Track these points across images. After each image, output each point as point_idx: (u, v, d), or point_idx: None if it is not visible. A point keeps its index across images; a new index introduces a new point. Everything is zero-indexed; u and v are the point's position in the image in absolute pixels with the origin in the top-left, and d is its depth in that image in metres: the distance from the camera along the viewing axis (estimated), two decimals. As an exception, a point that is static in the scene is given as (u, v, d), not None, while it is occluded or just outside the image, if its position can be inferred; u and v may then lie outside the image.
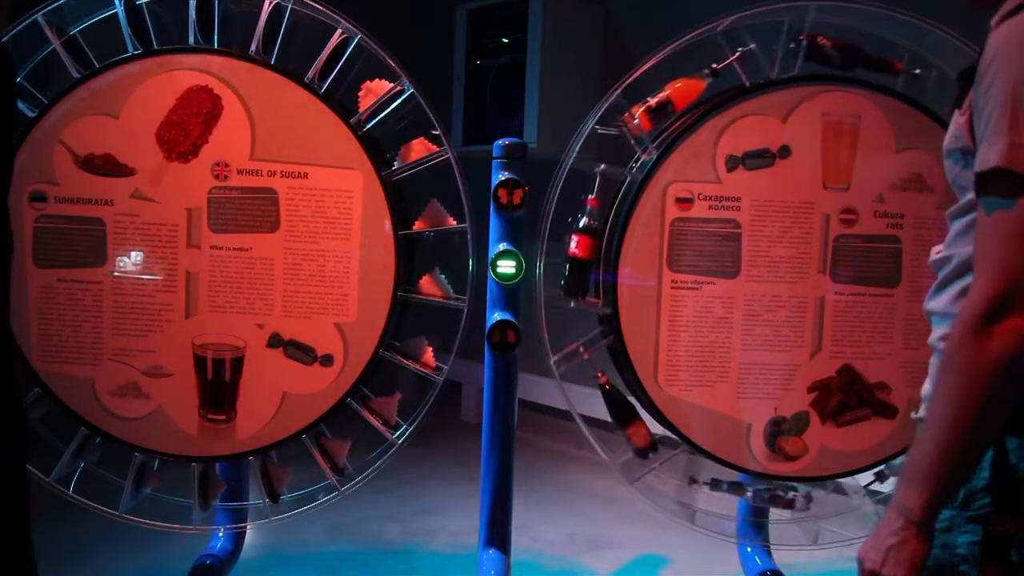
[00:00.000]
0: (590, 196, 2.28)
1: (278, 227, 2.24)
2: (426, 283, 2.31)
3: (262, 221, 2.24)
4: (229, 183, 2.23)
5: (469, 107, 4.32)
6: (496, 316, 2.23)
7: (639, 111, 2.24)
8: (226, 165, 2.23)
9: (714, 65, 2.25)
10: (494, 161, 2.26)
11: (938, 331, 1.25)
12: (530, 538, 3.14)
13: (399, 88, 2.24)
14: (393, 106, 2.26)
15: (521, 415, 2.43)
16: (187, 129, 2.21)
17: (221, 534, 2.54)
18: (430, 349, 2.34)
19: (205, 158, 2.22)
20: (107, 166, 2.22)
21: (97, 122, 2.21)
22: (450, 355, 2.29)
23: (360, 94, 2.26)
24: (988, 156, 1.06)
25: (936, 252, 1.28)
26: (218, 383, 2.26)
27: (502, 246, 2.22)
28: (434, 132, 2.26)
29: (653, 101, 2.24)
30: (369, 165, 2.22)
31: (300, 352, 2.27)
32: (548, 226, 2.28)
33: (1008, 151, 1.05)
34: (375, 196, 2.23)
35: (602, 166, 2.29)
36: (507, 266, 2.21)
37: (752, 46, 2.23)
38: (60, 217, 2.23)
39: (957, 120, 1.17)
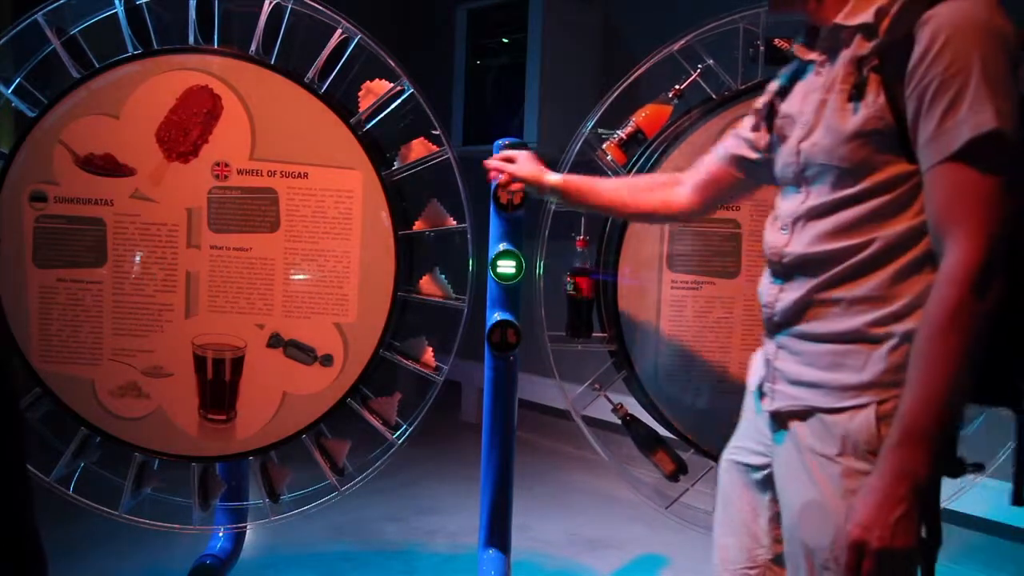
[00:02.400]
0: (579, 237, 2.29)
1: (278, 227, 2.24)
2: (426, 283, 2.31)
3: (262, 221, 2.24)
4: (229, 183, 2.23)
5: (469, 107, 4.32)
6: (496, 316, 2.23)
7: (610, 146, 2.25)
8: (226, 165, 2.23)
9: (677, 87, 2.26)
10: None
11: (865, 317, 1.25)
12: (530, 538, 3.14)
13: (399, 88, 2.25)
14: (393, 106, 2.26)
15: (521, 415, 2.43)
16: (187, 129, 2.21)
17: (221, 534, 2.54)
18: (430, 349, 2.35)
19: (205, 158, 2.22)
20: (107, 166, 2.22)
21: (97, 122, 2.21)
22: (450, 355, 2.29)
23: (360, 94, 2.26)
24: (981, 120, 1.11)
25: (829, 242, 1.27)
26: (218, 383, 2.26)
27: (502, 246, 2.22)
28: (434, 132, 2.26)
29: (623, 134, 2.25)
30: (369, 165, 2.22)
31: (300, 352, 2.27)
32: (548, 226, 2.28)
33: (1000, 115, 1.11)
34: (375, 196, 2.23)
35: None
36: (507, 266, 2.21)
37: (711, 62, 2.24)
38: (60, 217, 2.23)
39: (872, 103, 1.20)
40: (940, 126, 1.13)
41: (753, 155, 1.55)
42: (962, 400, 1.15)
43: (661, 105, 2.28)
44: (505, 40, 4.15)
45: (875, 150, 1.22)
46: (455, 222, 2.27)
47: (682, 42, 2.25)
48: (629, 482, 2.38)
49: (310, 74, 2.22)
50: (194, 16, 2.21)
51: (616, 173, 2.30)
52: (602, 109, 2.29)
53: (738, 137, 1.58)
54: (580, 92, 3.79)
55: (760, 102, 1.50)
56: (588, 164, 2.31)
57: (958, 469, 1.26)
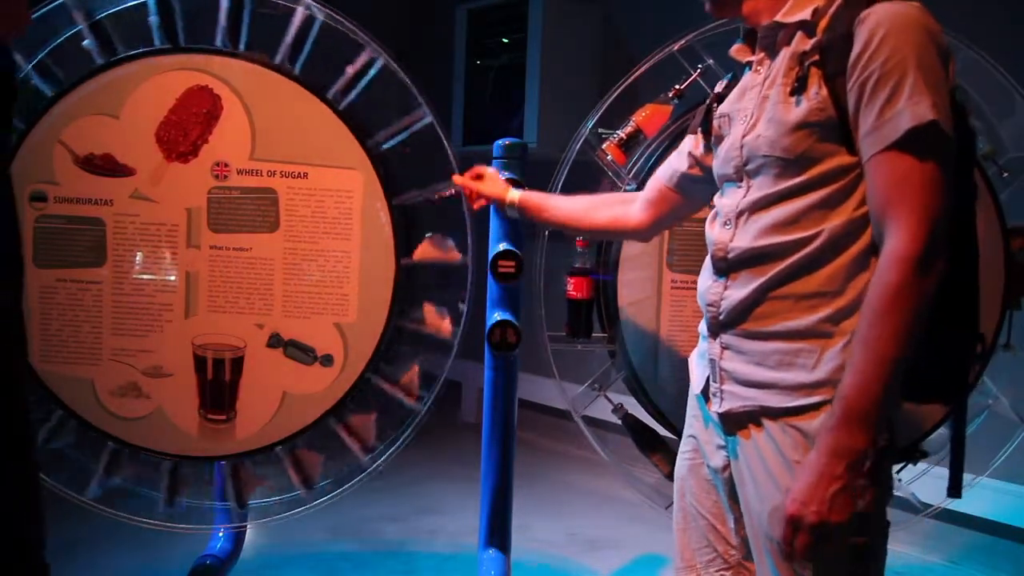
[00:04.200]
0: (579, 237, 2.29)
1: (278, 227, 2.24)
2: (429, 313, 2.31)
3: (262, 221, 2.24)
4: (229, 183, 2.23)
5: (469, 107, 4.32)
6: (496, 316, 2.23)
7: (611, 146, 2.25)
8: (226, 165, 2.23)
9: (677, 87, 2.25)
10: (494, 161, 2.26)
11: (816, 313, 1.27)
12: (530, 538, 3.14)
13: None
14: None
15: (521, 415, 2.43)
16: (187, 129, 2.21)
17: (221, 534, 2.54)
18: (416, 372, 2.33)
19: (205, 158, 2.22)
20: (107, 166, 2.22)
21: (97, 122, 2.21)
22: (450, 355, 2.30)
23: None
24: (920, 111, 1.15)
25: (776, 235, 1.29)
26: (218, 383, 2.26)
27: (502, 246, 2.22)
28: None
29: (624, 133, 2.25)
30: (369, 165, 2.22)
31: (300, 352, 2.27)
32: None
33: (936, 107, 1.16)
34: (375, 196, 2.23)
35: None
36: (507, 266, 2.21)
37: (711, 62, 2.24)
38: (60, 217, 2.23)
39: (815, 95, 1.24)
40: (880, 117, 1.18)
41: (694, 170, 1.59)
42: (900, 381, 1.17)
43: (661, 105, 2.28)
44: (505, 40, 4.15)
45: (817, 141, 1.25)
46: (458, 255, 2.27)
47: (682, 42, 2.25)
48: (629, 482, 2.38)
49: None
50: (224, 20, 2.20)
51: (616, 173, 2.30)
52: (602, 109, 2.29)
53: (681, 153, 1.62)
54: (580, 92, 3.79)
55: (700, 110, 1.56)
56: (588, 164, 2.31)
57: (902, 456, 1.29)
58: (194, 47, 2.22)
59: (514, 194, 1.91)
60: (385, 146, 2.25)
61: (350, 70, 2.22)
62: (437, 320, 2.31)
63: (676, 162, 1.64)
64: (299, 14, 2.20)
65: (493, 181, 2.00)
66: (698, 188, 1.60)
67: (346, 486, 2.33)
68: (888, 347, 1.15)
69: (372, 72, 2.23)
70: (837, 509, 1.17)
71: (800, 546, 1.20)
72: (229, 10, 2.20)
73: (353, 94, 2.24)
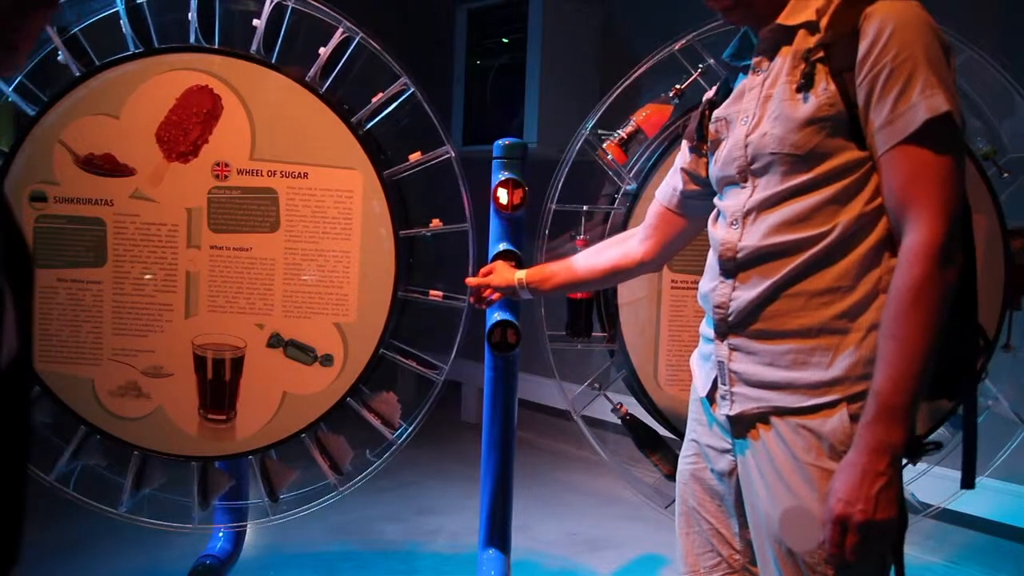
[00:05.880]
0: (578, 237, 2.28)
1: (278, 227, 2.24)
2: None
3: (262, 221, 2.24)
4: (229, 183, 2.23)
5: (469, 107, 4.31)
6: (496, 316, 2.23)
7: (611, 146, 2.25)
8: (226, 165, 2.23)
9: (677, 87, 2.25)
10: (494, 161, 2.26)
11: (830, 309, 1.26)
12: (530, 538, 3.14)
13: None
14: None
15: (521, 415, 2.43)
16: (187, 129, 2.21)
17: (221, 534, 2.54)
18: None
19: (205, 158, 2.22)
20: (107, 166, 2.22)
21: (97, 122, 2.21)
22: (450, 356, 2.30)
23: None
24: (935, 103, 1.16)
25: (787, 232, 1.28)
26: (218, 383, 2.26)
27: (502, 246, 2.22)
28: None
29: (624, 133, 2.25)
30: (369, 165, 2.22)
31: (300, 352, 2.27)
32: (548, 226, 2.28)
33: (951, 100, 1.17)
34: (375, 196, 2.23)
35: (585, 207, 2.32)
36: (507, 266, 2.21)
37: (711, 62, 2.24)
38: (60, 217, 2.23)
39: (823, 91, 1.24)
40: (895, 110, 1.18)
41: (691, 185, 1.55)
42: (930, 373, 1.17)
43: (661, 105, 2.28)
44: (505, 40, 4.15)
45: (827, 136, 1.24)
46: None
47: (682, 42, 2.26)
48: (629, 482, 2.38)
49: (311, 73, 2.22)
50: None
51: (617, 172, 2.30)
52: (602, 109, 2.29)
53: (675, 171, 1.59)
54: (580, 92, 3.79)
55: (693, 115, 1.53)
56: (588, 164, 2.31)
57: (917, 450, 1.28)
58: (194, 47, 2.22)
59: (520, 274, 1.86)
60: (370, 124, 2.26)
61: (380, 96, 2.24)
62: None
63: (672, 180, 1.60)
64: (338, 34, 2.21)
65: (501, 271, 1.93)
66: (697, 205, 1.55)
67: (346, 486, 2.33)
68: (917, 340, 1.15)
69: (399, 101, 2.24)
70: (883, 506, 1.16)
71: (850, 547, 1.17)
72: (198, 8, 2.21)
73: (379, 119, 2.26)
